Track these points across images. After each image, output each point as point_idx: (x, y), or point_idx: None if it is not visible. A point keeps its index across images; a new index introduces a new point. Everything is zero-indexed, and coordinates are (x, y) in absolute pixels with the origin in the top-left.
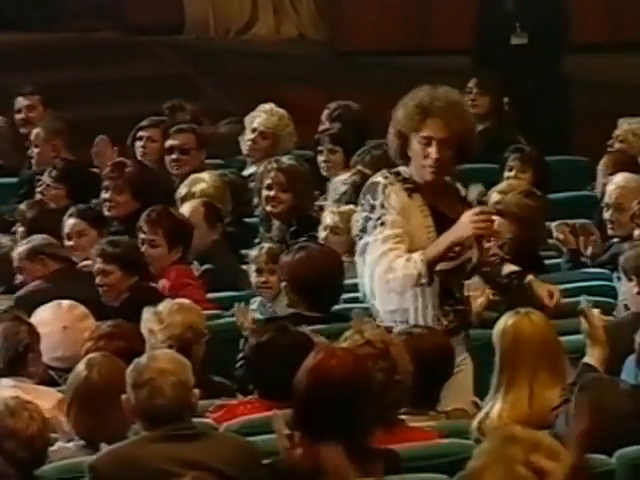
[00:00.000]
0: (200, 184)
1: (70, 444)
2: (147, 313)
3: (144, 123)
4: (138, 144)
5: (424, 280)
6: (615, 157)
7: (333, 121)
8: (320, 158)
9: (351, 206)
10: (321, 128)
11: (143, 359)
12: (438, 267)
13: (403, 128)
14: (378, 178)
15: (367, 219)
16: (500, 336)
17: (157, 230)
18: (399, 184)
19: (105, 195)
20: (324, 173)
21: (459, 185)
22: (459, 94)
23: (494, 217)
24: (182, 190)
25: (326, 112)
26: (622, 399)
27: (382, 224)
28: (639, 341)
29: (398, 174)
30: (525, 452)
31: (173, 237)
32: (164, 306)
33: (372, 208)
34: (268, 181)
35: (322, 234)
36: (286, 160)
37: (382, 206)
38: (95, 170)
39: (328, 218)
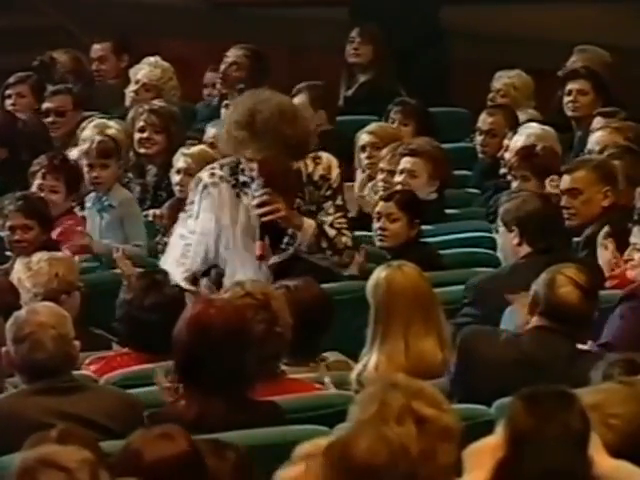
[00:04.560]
0: (111, 129)
1: None
2: (19, 264)
3: (11, 80)
4: (8, 102)
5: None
6: (496, 112)
7: None
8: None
9: (202, 146)
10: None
11: (22, 313)
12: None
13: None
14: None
15: None
16: (373, 289)
17: (59, 176)
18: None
19: None
20: None
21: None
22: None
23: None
24: (89, 132)
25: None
26: (504, 348)
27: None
28: (535, 288)
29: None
30: (406, 398)
31: (71, 184)
32: (35, 256)
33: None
34: (141, 123)
35: (176, 178)
36: (157, 102)
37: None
38: None
39: (180, 161)
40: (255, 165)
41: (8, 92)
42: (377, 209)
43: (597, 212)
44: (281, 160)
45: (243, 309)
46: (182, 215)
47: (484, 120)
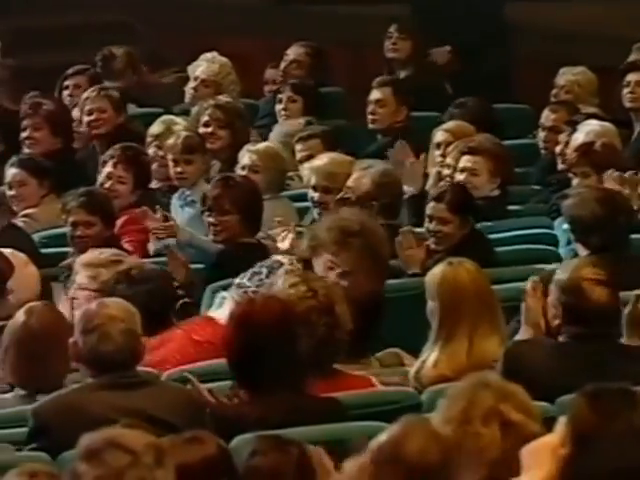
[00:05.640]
0: (178, 125)
1: (8, 395)
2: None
3: (69, 72)
4: (65, 93)
5: None
6: (559, 109)
7: None
8: (279, 106)
9: (267, 143)
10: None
11: (93, 305)
12: None
13: (320, 247)
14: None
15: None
16: (439, 287)
17: (129, 168)
18: None
19: (24, 134)
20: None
21: None
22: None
23: None
24: (156, 128)
25: None
26: (550, 360)
27: None
28: (562, 299)
29: None
30: (495, 400)
31: (139, 178)
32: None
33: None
34: (205, 118)
35: (241, 174)
36: (222, 98)
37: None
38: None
39: (246, 157)
40: None
41: (66, 83)
42: (428, 211)
43: None
44: None
45: (290, 303)
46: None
47: (547, 116)
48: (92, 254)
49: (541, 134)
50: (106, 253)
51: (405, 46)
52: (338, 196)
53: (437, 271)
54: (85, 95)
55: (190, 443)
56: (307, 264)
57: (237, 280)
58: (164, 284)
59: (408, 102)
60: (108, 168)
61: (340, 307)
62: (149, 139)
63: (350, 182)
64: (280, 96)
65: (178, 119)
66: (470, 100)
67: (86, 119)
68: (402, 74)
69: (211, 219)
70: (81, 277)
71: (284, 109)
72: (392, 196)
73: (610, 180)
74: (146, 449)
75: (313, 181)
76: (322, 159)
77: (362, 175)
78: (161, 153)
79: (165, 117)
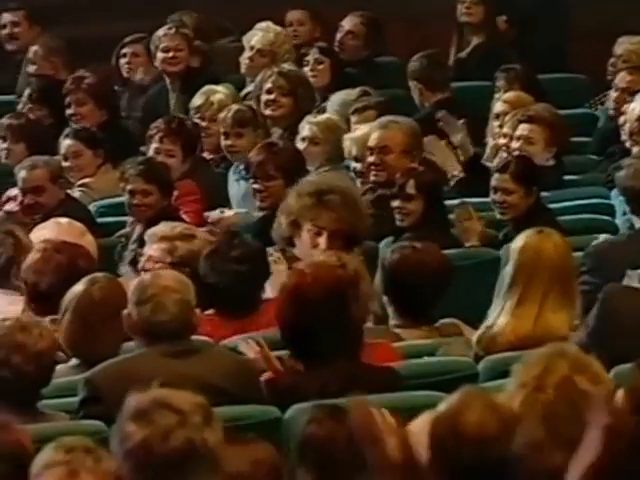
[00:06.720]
0: (218, 94)
1: (59, 365)
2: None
3: (126, 40)
4: (122, 61)
5: None
6: (636, 72)
7: None
8: (306, 68)
9: (328, 115)
10: None
11: (147, 276)
12: None
13: (298, 218)
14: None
15: None
16: (519, 251)
17: (176, 140)
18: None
19: (69, 110)
20: None
21: None
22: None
23: None
24: (197, 100)
25: None
26: None
27: None
28: None
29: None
30: (570, 370)
31: (187, 148)
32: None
33: None
34: (268, 85)
35: (301, 146)
36: (287, 66)
37: None
38: None
39: (306, 129)
40: None
41: (123, 51)
42: (493, 182)
43: None
44: None
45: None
46: None
47: (622, 77)
48: (165, 227)
49: (613, 94)
50: (179, 227)
51: (478, 11)
52: (370, 160)
53: (523, 237)
54: (161, 32)
55: (240, 445)
56: (291, 260)
57: None
58: (259, 264)
59: (446, 84)
60: (155, 144)
61: (365, 285)
62: (192, 111)
63: (382, 142)
64: (307, 58)
65: (219, 87)
66: (516, 66)
67: (161, 56)
68: (475, 41)
69: (256, 185)
70: (155, 250)
71: (311, 70)
72: (421, 148)
73: None
74: (194, 409)
75: (354, 152)
76: (362, 129)
77: (390, 131)
78: (204, 124)
79: (206, 87)
